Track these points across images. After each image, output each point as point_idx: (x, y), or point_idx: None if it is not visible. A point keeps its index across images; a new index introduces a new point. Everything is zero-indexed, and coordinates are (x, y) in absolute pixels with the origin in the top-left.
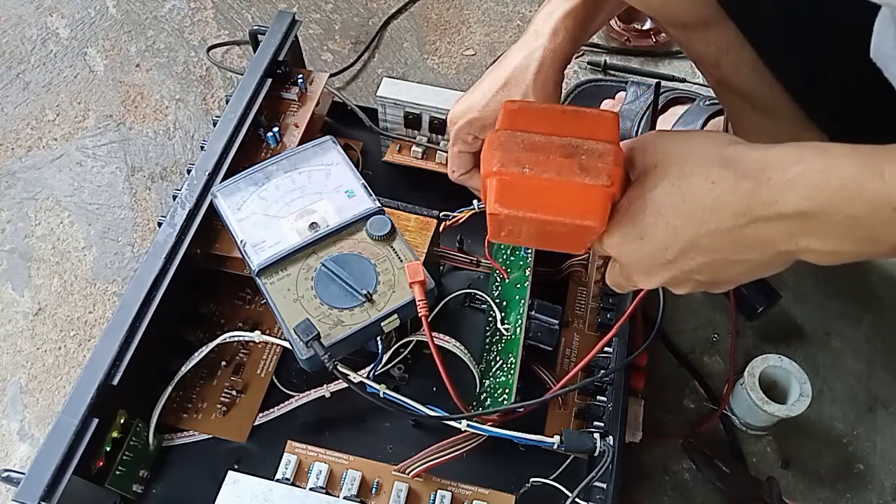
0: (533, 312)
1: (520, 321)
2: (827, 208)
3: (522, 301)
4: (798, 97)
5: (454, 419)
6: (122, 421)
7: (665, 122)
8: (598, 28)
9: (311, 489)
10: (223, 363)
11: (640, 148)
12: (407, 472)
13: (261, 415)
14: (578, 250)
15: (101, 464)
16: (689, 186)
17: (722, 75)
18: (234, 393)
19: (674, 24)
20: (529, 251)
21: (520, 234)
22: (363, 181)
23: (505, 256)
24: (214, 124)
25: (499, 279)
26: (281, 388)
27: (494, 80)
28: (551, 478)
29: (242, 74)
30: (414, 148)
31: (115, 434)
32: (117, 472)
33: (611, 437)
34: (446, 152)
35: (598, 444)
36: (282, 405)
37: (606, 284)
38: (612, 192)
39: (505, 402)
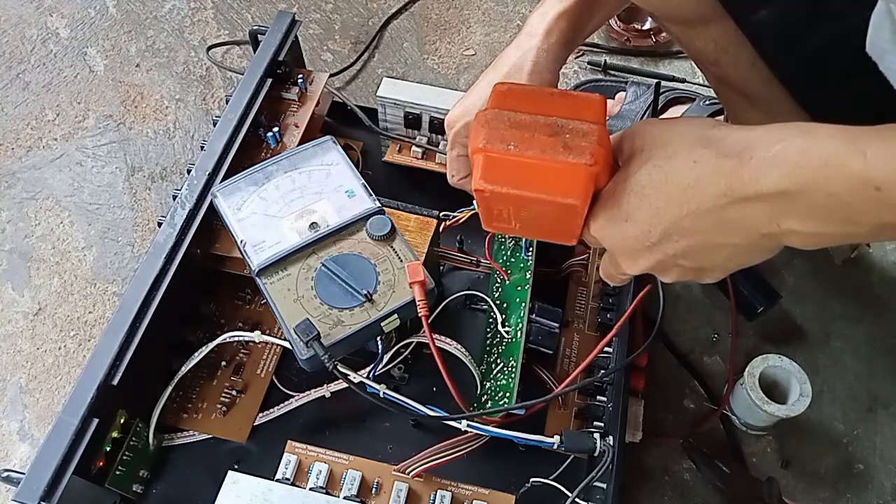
0: (534, 315)
1: (520, 324)
2: (808, 187)
3: (523, 304)
4: (796, 93)
5: (454, 419)
6: (122, 421)
7: None
8: (595, 29)
9: (311, 489)
10: (223, 363)
11: (628, 135)
12: (407, 472)
13: (261, 415)
14: (569, 238)
15: (101, 464)
16: (672, 167)
17: (721, 72)
18: (234, 393)
19: (673, 20)
20: (530, 253)
21: (509, 217)
22: (363, 181)
23: (505, 258)
24: (214, 124)
25: (499, 280)
26: (281, 388)
27: (489, 82)
28: (551, 478)
29: (242, 74)
30: (414, 148)
31: (115, 434)
32: (117, 472)
33: (611, 437)
34: (446, 153)
35: (598, 444)
36: (282, 405)
37: (606, 284)
38: (595, 172)
39: (505, 405)
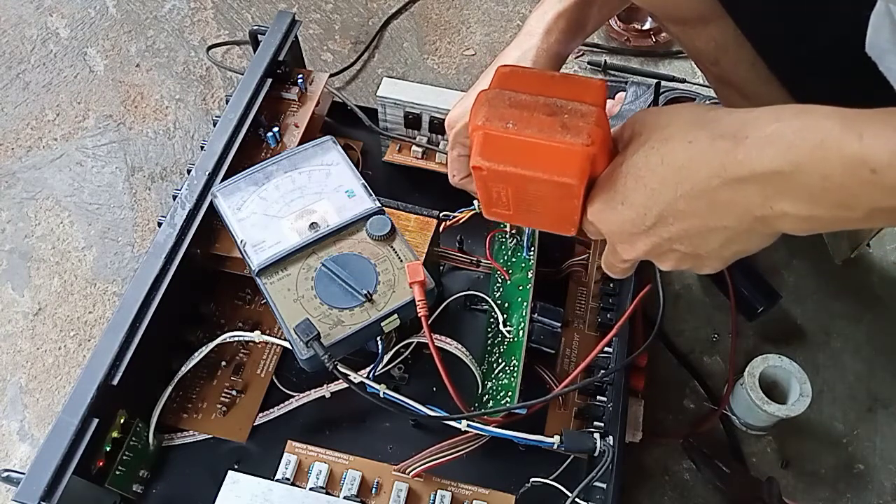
0: (535, 315)
1: (522, 324)
2: (802, 167)
3: (525, 303)
4: (796, 93)
5: (454, 419)
6: (122, 421)
7: None
8: (594, 29)
9: (311, 489)
10: (223, 363)
11: (628, 122)
12: (407, 472)
13: (261, 415)
14: (568, 227)
15: (101, 464)
16: (667, 149)
17: (721, 72)
18: (234, 393)
19: (673, 20)
20: (532, 252)
21: (507, 201)
22: (363, 181)
23: (506, 258)
24: (214, 124)
25: (500, 280)
26: (281, 388)
27: (489, 81)
28: (551, 478)
29: (242, 74)
30: (414, 148)
31: (115, 434)
32: (117, 472)
33: (611, 437)
34: (446, 153)
35: (598, 444)
36: (282, 405)
37: (606, 284)
38: (592, 153)
39: (508, 405)
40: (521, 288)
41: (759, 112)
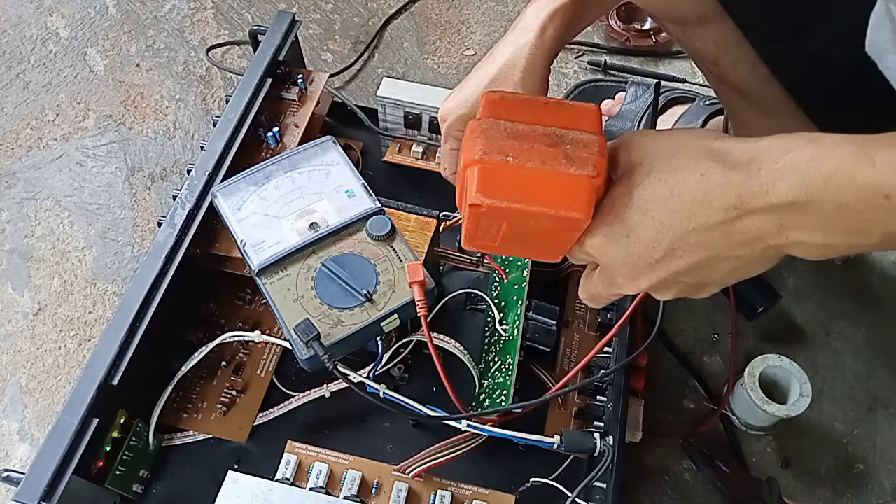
0: (530, 313)
1: (517, 322)
2: (817, 197)
3: (520, 302)
4: (795, 93)
5: (454, 419)
6: (122, 421)
7: (665, 122)
8: (587, 25)
9: (311, 489)
10: (223, 363)
11: (623, 147)
12: (407, 472)
13: (261, 415)
14: (555, 256)
15: (101, 464)
16: (678, 181)
17: (721, 72)
18: (234, 393)
19: (673, 20)
20: None
21: (497, 232)
22: (363, 181)
23: (504, 257)
24: (214, 124)
25: (498, 279)
26: (281, 388)
27: (483, 76)
28: (551, 478)
29: (242, 74)
30: (414, 148)
31: (115, 434)
32: (117, 472)
33: (611, 437)
34: None
35: (598, 444)
36: (282, 405)
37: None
38: (598, 184)
39: (503, 403)
40: (516, 286)
41: (770, 142)
